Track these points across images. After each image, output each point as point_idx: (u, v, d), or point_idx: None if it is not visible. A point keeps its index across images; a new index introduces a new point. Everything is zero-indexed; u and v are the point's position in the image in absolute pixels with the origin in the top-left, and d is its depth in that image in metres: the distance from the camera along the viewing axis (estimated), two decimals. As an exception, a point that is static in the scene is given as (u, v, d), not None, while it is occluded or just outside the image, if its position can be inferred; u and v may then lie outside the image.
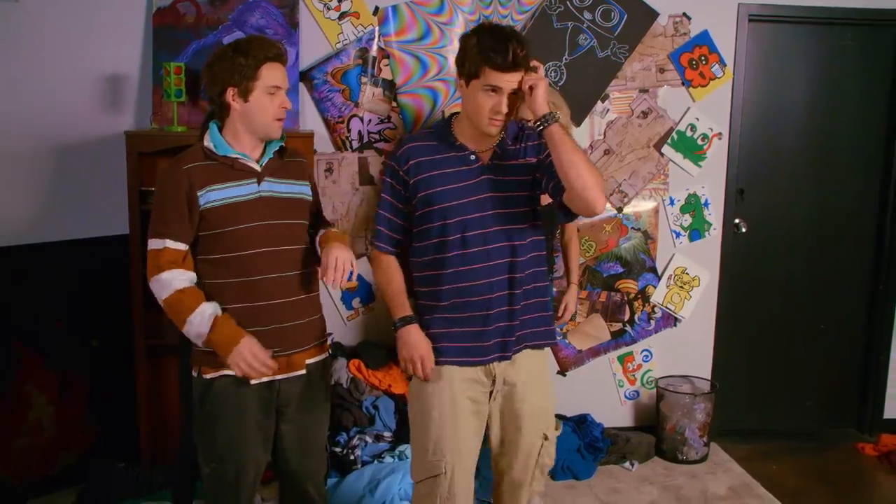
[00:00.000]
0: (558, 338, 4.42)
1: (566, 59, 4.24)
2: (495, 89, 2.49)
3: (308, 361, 2.70)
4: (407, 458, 3.76)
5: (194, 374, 2.64)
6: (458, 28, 4.15)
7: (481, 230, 2.62)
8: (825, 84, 4.63)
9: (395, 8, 4.12)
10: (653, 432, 4.52)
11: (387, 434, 3.94)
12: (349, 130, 4.17)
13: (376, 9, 4.11)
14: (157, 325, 3.96)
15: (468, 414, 2.68)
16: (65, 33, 3.92)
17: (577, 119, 4.28)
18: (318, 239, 2.76)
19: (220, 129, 2.61)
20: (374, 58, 4.13)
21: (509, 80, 2.49)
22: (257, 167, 2.61)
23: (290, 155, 2.74)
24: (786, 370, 4.83)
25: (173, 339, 3.95)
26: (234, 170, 2.57)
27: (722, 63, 4.40)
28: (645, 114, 4.40)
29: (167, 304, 2.52)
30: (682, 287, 4.56)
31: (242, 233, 2.55)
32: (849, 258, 4.80)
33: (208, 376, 2.59)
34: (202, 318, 2.48)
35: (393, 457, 3.80)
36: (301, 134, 3.89)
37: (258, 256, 2.56)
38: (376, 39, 4.13)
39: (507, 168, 2.65)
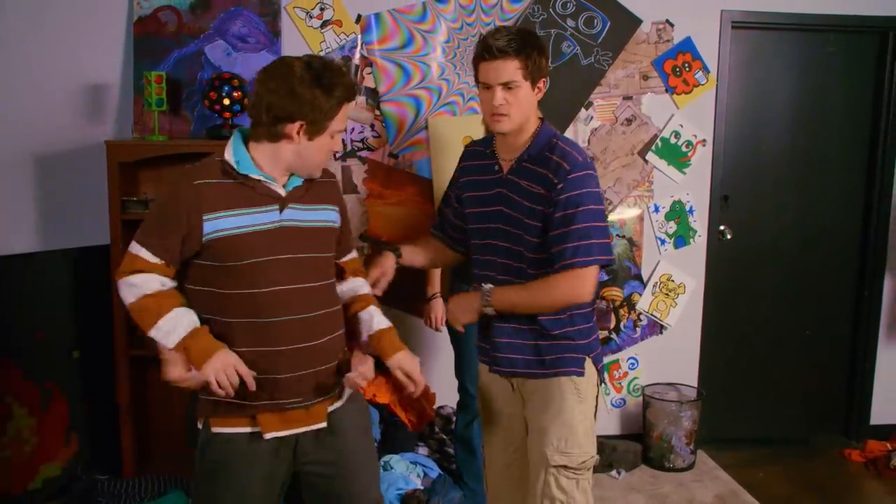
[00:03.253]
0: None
1: (549, 66, 4.23)
2: (486, 85, 2.47)
3: (331, 408, 2.40)
4: (392, 468, 3.74)
5: (199, 424, 2.36)
6: (441, 36, 4.14)
7: (490, 240, 2.61)
8: (808, 90, 4.64)
9: (377, 16, 4.11)
10: (639, 440, 4.50)
11: (371, 444, 3.91)
12: (332, 139, 4.15)
13: (359, 17, 4.10)
14: (140, 336, 3.93)
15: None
16: (45, 42, 3.90)
17: (561, 127, 4.27)
18: (347, 294, 2.55)
19: (247, 143, 2.30)
20: (357, 66, 4.12)
21: (493, 72, 2.44)
22: (282, 191, 2.30)
23: (321, 175, 2.45)
24: (772, 377, 4.83)
25: (157, 349, 3.94)
26: (254, 193, 2.26)
27: (705, 70, 4.41)
28: (629, 121, 4.39)
29: (135, 309, 2.25)
30: (667, 294, 4.55)
31: (257, 267, 2.24)
32: (834, 264, 4.81)
33: (217, 430, 2.31)
34: (177, 323, 2.21)
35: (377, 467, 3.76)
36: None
37: (275, 295, 2.25)
38: (359, 47, 4.11)
39: (518, 187, 2.55)
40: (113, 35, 3.95)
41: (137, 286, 2.24)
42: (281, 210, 2.29)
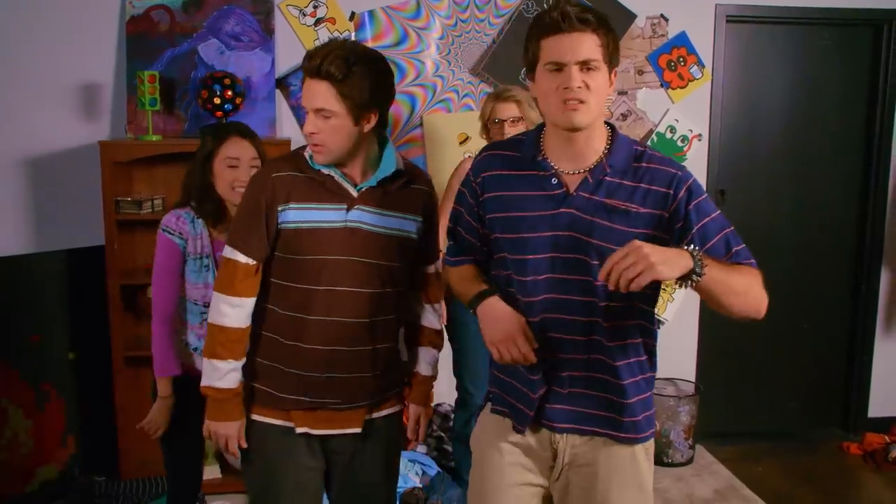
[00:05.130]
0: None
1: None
2: (557, 65, 1.92)
3: (368, 417, 2.34)
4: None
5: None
6: (435, 33, 4.13)
7: (554, 275, 2.01)
8: (804, 84, 4.63)
9: (371, 13, 4.09)
10: (638, 435, 4.49)
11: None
12: (327, 137, 4.14)
13: (352, 14, 4.09)
14: (136, 337, 3.93)
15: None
16: (37, 42, 3.89)
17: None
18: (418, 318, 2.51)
19: None
20: (351, 63, 4.10)
21: (569, 46, 1.90)
22: (353, 191, 2.23)
23: (409, 182, 2.31)
24: (770, 371, 4.83)
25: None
26: (324, 189, 2.21)
27: (700, 64, 4.40)
28: (624, 116, 4.39)
29: (212, 329, 2.26)
30: (664, 289, 4.52)
31: (316, 264, 2.20)
32: (831, 257, 4.81)
33: (255, 417, 2.32)
34: (232, 373, 2.26)
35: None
36: (277, 141, 3.86)
37: (328, 294, 2.20)
38: (353, 45, 4.10)
39: (601, 207, 1.98)
40: (106, 35, 3.94)
41: (226, 316, 2.24)
42: (348, 209, 2.22)
